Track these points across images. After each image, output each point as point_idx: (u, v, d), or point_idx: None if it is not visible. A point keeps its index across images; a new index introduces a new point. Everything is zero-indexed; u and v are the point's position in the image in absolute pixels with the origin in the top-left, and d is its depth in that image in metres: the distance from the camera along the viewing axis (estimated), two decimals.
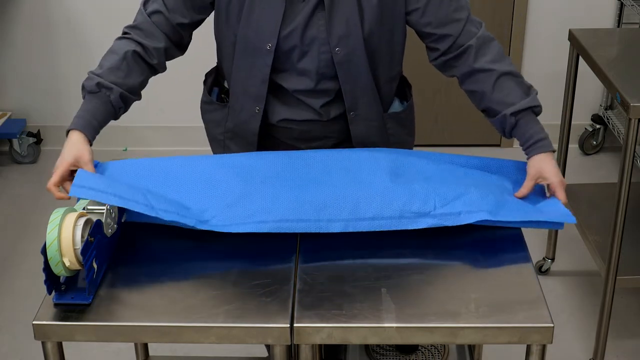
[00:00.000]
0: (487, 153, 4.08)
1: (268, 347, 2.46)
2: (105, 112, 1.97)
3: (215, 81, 2.21)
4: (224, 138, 2.17)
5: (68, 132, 1.92)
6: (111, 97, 1.97)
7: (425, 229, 1.85)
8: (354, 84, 2.03)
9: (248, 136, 2.10)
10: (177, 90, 3.71)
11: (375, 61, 2.03)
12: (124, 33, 2.05)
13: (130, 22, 2.07)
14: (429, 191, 1.83)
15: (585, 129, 4.09)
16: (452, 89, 4.14)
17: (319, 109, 2.07)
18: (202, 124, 2.27)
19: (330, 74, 2.02)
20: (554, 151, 1.97)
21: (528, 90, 2.02)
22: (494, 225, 1.85)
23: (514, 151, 4.19)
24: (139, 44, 2.01)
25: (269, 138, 2.12)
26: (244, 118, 2.09)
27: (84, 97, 2.00)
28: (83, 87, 1.99)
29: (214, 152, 2.24)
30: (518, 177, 1.97)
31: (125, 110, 2.03)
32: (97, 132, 1.96)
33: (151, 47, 2.02)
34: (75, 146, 1.89)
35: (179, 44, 2.09)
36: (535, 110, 2.00)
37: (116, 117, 2.01)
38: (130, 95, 2.00)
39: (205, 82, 2.21)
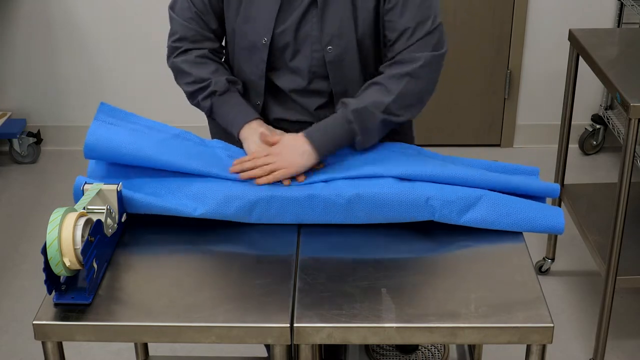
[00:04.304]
0: (487, 153, 4.10)
1: (267, 347, 2.47)
2: (246, 103, 2.04)
3: None
4: (225, 132, 2.17)
5: (239, 132, 2.00)
6: (239, 88, 2.05)
7: (426, 229, 1.86)
8: (345, 86, 2.03)
9: None
10: (178, 90, 3.72)
11: (368, 64, 2.03)
12: (176, 48, 2.06)
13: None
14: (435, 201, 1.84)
15: (585, 129, 4.09)
16: (452, 89, 4.14)
17: (314, 112, 2.07)
18: (202, 124, 2.27)
19: (323, 73, 2.03)
20: (314, 146, 1.88)
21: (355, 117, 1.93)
22: (493, 228, 1.86)
23: (514, 151, 4.19)
24: (203, 49, 2.05)
25: None
26: None
27: (209, 109, 2.04)
28: (211, 94, 2.02)
29: None
30: (522, 181, 1.96)
31: None
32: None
33: (214, 47, 2.07)
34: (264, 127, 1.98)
35: (222, 42, 2.13)
36: (349, 117, 1.91)
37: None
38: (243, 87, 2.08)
39: None
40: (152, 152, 1.88)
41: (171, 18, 2.08)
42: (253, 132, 1.99)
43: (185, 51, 2.06)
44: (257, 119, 2.02)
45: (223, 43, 2.14)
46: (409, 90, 1.95)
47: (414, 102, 1.99)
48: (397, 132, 2.12)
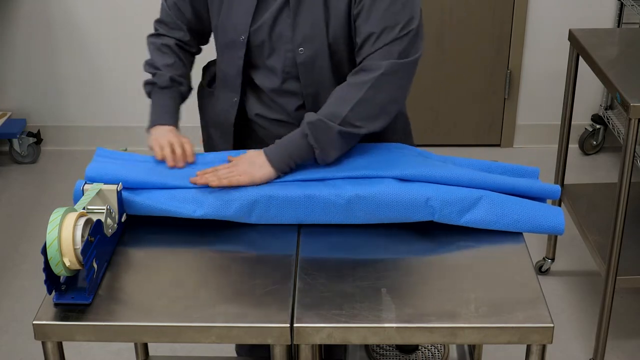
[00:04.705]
0: (487, 153, 4.10)
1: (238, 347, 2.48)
2: (178, 106, 2.11)
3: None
4: (207, 125, 2.22)
5: (151, 127, 2.06)
6: (182, 90, 2.11)
7: (425, 229, 1.86)
8: (316, 88, 2.02)
9: (226, 125, 2.13)
10: None
11: (341, 69, 2.01)
12: (154, 28, 2.17)
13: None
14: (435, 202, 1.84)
15: (585, 129, 4.09)
16: (452, 89, 4.15)
17: (294, 113, 2.06)
18: (200, 124, 2.28)
19: (295, 74, 2.02)
20: (271, 162, 1.88)
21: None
22: (493, 228, 1.86)
23: (514, 151, 4.19)
24: (173, 38, 2.14)
25: (247, 133, 2.14)
26: (223, 106, 2.12)
27: (148, 94, 2.12)
28: (153, 83, 2.10)
29: (203, 142, 2.28)
30: (520, 182, 1.95)
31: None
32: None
33: (183, 39, 2.14)
34: (172, 132, 2.03)
35: (201, 33, 2.17)
36: (305, 131, 1.89)
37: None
38: (190, 87, 2.15)
39: (207, 68, 2.24)
40: (149, 176, 1.91)
41: (161, 2, 2.17)
42: (160, 132, 2.04)
43: (158, 35, 2.15)
44: (170, 125, 2.06)
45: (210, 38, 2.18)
46: (368, 100, 1.89)
47: (376, 112, 1.92)
48: (372, 136, 2.04)
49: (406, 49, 1.91)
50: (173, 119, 2.08)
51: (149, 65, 2.13)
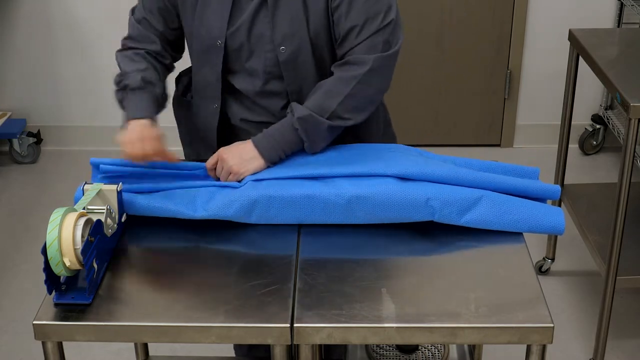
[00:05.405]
0: (487, 153, 4.10)
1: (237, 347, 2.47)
2: (155, 106, 1.97)
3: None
4: (188, 135, 2.20)
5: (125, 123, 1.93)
6: (156, 91, 1.99)
7: (425, 229, 1.86)
8: (300, 85, 2.01)
9: (208, 133, 2.12)
10: None
11: (323, 63, 2.01)
12: (123, 45, 2.10)
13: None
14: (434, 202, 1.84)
15: (585, 129, 4.09)
16: (452, 89, 4.14)
17: (278, 113, 2.06)
18: None
19: (278, 74, 2.01)
20: (261, 152, 1.92)
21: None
22: (493, 228, 1.86)
23: (514, 151, 4.19)
24: (144, 49, 2.06)
25: (231, 138, 2.11)
26: (204, 115, 2.11)
27: (122, 99, 1.99)
28: (125, 87, 1.97)
29: (184, 152, 2.26)
30: (521, 182, 1.95)
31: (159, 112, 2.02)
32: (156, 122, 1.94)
33: (155, 50, 2.06)
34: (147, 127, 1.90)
35: (175, 45, 2.12)
36: (295, 125, 1.92)
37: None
38: (166, 94, 2.04)
39: (179, 78, 2.22)
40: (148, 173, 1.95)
41: (129, 19, 2.11)
42: (134, 125, 1.90)
43: (128, 48, 2.08)
44: (146, 118, 1.92)
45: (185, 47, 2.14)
46: (357, 94, 1.94)
47: (364, 105, 1.97)
48: (354, 134, 2.07)
49: (388, 39, 1.94)
50: (149, 112, 1.93)
51: (119, 75, 2.01)
